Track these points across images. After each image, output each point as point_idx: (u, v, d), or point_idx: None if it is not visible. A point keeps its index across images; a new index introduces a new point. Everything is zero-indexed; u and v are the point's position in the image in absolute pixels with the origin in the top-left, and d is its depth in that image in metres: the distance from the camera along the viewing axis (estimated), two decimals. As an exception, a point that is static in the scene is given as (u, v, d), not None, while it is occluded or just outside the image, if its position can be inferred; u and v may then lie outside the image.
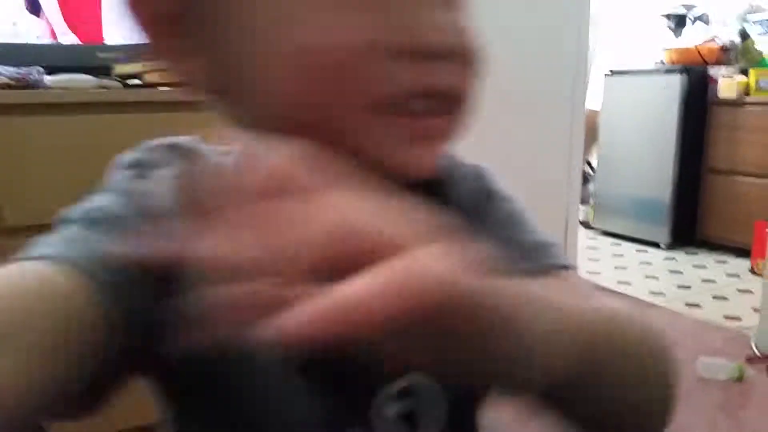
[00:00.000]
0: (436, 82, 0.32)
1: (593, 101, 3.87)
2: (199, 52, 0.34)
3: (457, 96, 0.34)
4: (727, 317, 2.48)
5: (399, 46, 0.31)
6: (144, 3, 0.33)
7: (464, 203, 0.42)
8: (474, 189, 0.44)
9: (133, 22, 0.33)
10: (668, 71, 3.47)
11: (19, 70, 1.18)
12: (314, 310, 0.21)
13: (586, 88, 3.09)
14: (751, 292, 2.76)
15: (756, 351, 2.14)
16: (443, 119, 0.34)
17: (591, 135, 3.79)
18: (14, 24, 1.51)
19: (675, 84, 3.36)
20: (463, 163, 0.45)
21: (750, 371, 1.96)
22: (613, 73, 3.76)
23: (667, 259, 3.35)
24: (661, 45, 3.74)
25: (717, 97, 3.34)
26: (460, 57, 0.33)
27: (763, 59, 3.35)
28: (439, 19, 0.32)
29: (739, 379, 1.92)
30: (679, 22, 3.74)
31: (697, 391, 1.88)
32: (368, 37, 0.30)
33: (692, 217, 3.52)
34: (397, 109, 0.32)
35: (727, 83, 3.28)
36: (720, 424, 1.70)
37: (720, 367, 1.97)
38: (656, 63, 3.76)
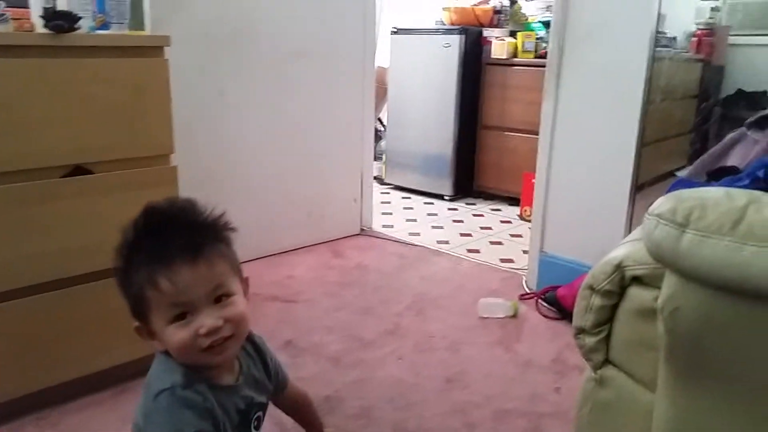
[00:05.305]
0: (214, 341, 0.90)
1: (383, 59, 3.92)
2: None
3: (227, 339, 0.91)
4: (502, 260, 2.71)
5: (200, 334, 0.89)
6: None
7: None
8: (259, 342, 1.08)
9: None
10: (448, 31, 3.63)
11: None
12: None
13: (375, 46, 3.11)
14: (521, 236, 3.05)
15: (526, 288, 2.36)
16: (224, 347, 0.91)
17: (382, 92, 3.85)
18: None
19: (455, 44, 3.53)
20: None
21: (523, 307, 2.15)
22: (398, 30, 3.83)
23: (450, 209, 3.57)
24: (440, 3, 3.88)
25: (490, 57, 3.59)
26: (227, 329, 0.91)
27: (528, 23, 3.66)
28: (213, 318, 0.89)
29: (514, 315, 2.10)
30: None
31: (478, 329, 2.02)
32: (191, 334, 0.89)
33: (470, 171, 3.79)
34: (206, 349, 0.90)
35: (499, 44, 3.53)
36: (499, 357, 1.84)
37: (498, 306, 2.13)
38: (436, 22, 3.91)
